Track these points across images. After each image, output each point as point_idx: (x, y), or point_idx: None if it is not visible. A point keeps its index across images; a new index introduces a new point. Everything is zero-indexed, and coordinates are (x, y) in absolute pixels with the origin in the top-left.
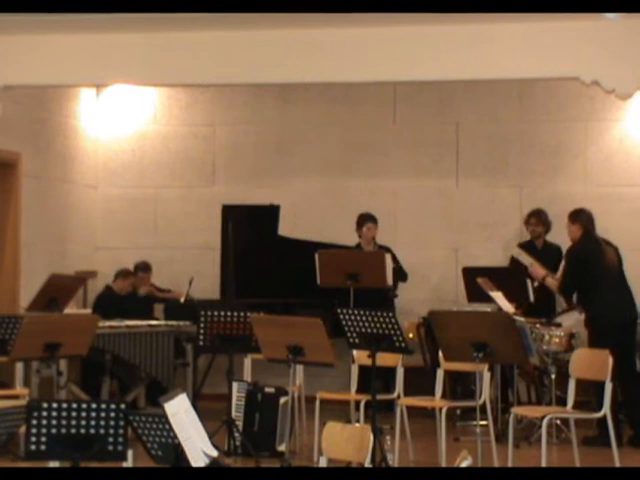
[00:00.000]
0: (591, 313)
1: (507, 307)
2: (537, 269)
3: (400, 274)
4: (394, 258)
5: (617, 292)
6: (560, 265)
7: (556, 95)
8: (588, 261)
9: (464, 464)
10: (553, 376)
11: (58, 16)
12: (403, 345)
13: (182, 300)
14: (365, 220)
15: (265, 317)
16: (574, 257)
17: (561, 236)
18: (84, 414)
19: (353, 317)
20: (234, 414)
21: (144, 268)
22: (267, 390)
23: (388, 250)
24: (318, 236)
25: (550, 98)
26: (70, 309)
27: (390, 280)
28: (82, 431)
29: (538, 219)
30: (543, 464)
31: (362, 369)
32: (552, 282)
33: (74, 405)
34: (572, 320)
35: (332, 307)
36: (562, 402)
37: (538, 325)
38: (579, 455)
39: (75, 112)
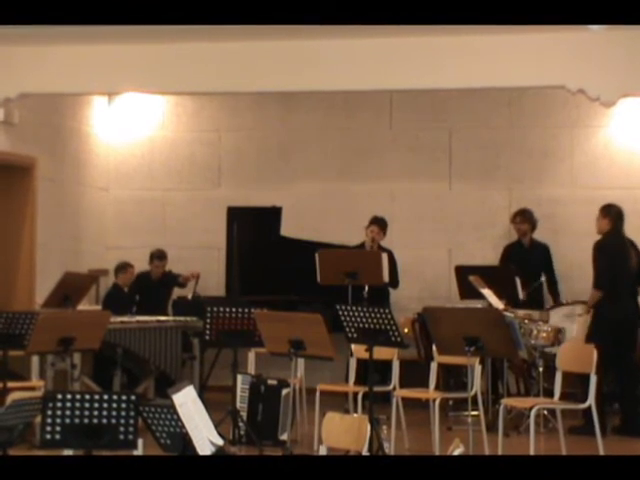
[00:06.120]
0: (603, 312)
1: (497, 304)
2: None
3: (393, 279)
4: (393, 263)
5: (631, 296)
6: (548, 263)
7: (544, 102)
8: (613, 258)
9: (456, 452)
10: (541, 369)
11: (72, 28)
12: (399, 339)
13: (195, 278)
14: (370, 222)
15: (268, 313)
16: (601, 252)
17: (548, 235)
18: (96, 405)
19: (351, 313)
20: (238, 405)
21: (160, 256)
22: (270, 382)
23: (390, 253)
24: (318, 236)
25: (538, 105)
26: (83, 306)
27: (387, 278)
28: (95, 421)
29: (523, 217)
30: (531, 452)
31: (360, 362)
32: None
33: (87, 396)
34: (559, 315)
35: (332, 304)
36: (549, 393)
37: (526, 321)
38: (565, 444)
39: (88, 119)
